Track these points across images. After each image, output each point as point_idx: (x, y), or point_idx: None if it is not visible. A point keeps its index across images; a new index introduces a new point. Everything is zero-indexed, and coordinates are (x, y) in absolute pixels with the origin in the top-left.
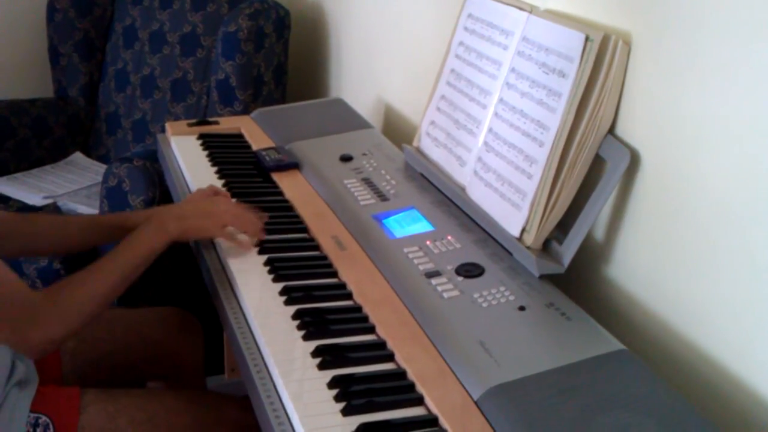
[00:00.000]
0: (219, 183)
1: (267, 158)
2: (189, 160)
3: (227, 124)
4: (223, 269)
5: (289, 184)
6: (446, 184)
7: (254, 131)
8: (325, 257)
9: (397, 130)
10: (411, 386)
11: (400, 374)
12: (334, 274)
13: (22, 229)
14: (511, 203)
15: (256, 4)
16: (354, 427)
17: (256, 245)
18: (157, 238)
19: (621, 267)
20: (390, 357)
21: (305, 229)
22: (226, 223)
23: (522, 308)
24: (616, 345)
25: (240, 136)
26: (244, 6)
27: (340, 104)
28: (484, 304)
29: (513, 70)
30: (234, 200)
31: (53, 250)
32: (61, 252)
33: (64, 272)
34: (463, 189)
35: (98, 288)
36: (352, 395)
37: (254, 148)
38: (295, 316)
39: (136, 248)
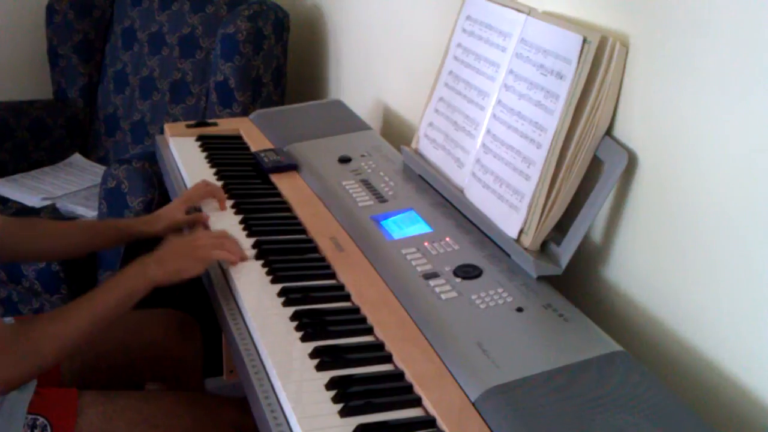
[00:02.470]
0: (218, 184)
1: (265, 160)
2: (188, 161)
3: (226, 125)
4: (222, 271)
5: (287, 186)
6: (444, 186)
7: (253, 133)
8: (323, 259)
9: (396, 132)
10: (409, 387)
11: (398, 375)
12: (333, 276)
13: (22, 234)
14: (509, 205)
15: (255, 6)
16: (352, 428)
17: (253, 247)
18: (137, 283)
19: (618, 268)
20: (388, 358)
21: (303, 231)
22: (207, 257)
23: (520, 309)
24: (613, 346)
25: (239, 137)
26: (243, 8)
27: (339, 106)
28: (482, 306)
29: (511, 71)
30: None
31: (52, 255)
32: (61, 257)
33: (63, 274)
34: (461, 190)
35: (71, 330)
36: (350, 396)
37: (253, 149)
38: (293, 318)
39: (114, 292)
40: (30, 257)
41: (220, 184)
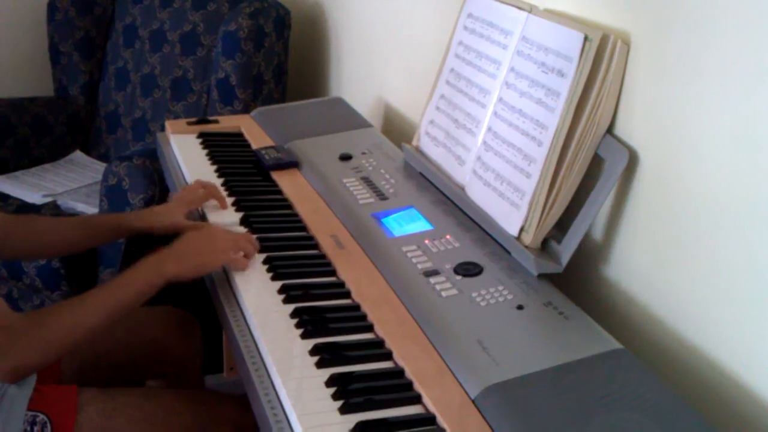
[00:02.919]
0: (218, 182)
1: (266, 157)
2: (189, 158)
3: (227, 122)
4: (222, 268)
5: (288, 183)
6: (445, 184)
7: (254, 130)
8: (323, 256)
9: (397, 130)
10: (409, 385)
11: (398, 373)
12: (333, 273)
13: (20, 231)
14: (510, 202)
15: (257, 4)
16: (352, 425)
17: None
18: (153, 279)
19: (619, 266)
20: (388, 355)
21: (304, 228)
22: (227, 259)
23: (520, 307)
24: (613, 344)
25: (239, 134)
26: (244, 5)
27: (340, 103)
28: (483, 303)
29: (512, 69)
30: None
31: (50, 251)
32: (60, 253)
33: (64, 271)
34: (462, 188)
35: (83, 321)
36: (350, 393)
37: (254, 146)
38: (293, 315)
39: (130, 286)
40: (29, 254)
41: (220, 181)
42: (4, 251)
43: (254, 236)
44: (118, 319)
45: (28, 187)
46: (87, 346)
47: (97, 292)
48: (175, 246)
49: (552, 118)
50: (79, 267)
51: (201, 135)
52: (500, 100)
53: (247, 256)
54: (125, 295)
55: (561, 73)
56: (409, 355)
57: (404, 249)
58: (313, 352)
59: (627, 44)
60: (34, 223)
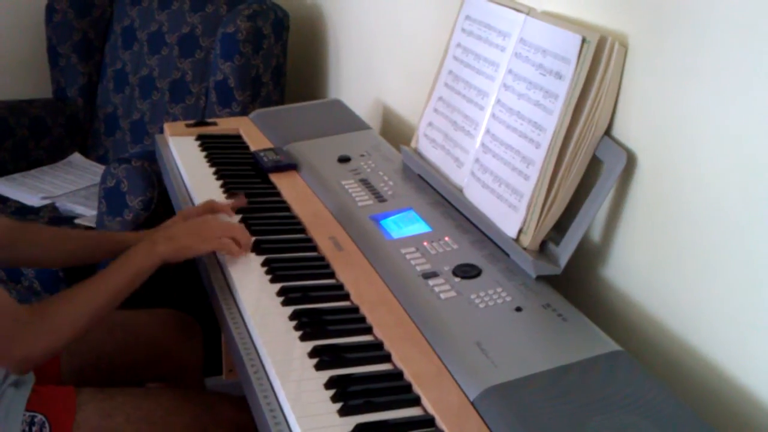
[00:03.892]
0: (217, 183)
1: (265, 159)
2: (187, 160)
3: (225, 125)
4: (221, 270)
5: (287, 185)
6: (444, 186)
7: (252, 132)
8: (322, 258)
9: (395, 132)
10: (408, 387)
11: (397, 375)
12: (332, 275)
13: (25, 239)
14: (508, 204)
15: (255, 6)
16: (351, 428)
17: (252, 249)
18: (147, 260)
19: (617, 268)
20: (387, 358)
21: (303, 230)
22: (216, 244)
23: (519, 309)
24: (612, 346)
25: (238, 137)
26: (242, 7)
27: (339, 105)
28: (481, 305)
29: (510, 71)
30: (222, 215)
31: (51, 262)
32: (60, 264)
33: (63, 274)
34: (460, 190)
35: (85, 307)
36: (349, 396)
37: (252, 149)
38: (292, 317)
39: (125, 269)
40: (30, 263)
41: (219, 183)
42: (6, 258)
43: (253, 238)
44: (118, 302)
45: (27, 190)
46: (87, 347)
47: (96, 279)
48: (166, 228)
49: (550, 120)
50: (78, 270)
51: (199, 137)
52: (498, 102)
53: (241, 247)
54: (123, 278)
55: (559, 75)
56: (408, 357)
57: (403, 251)
58: (312, 354)
59: (624, 46)
60: (38, 231)
